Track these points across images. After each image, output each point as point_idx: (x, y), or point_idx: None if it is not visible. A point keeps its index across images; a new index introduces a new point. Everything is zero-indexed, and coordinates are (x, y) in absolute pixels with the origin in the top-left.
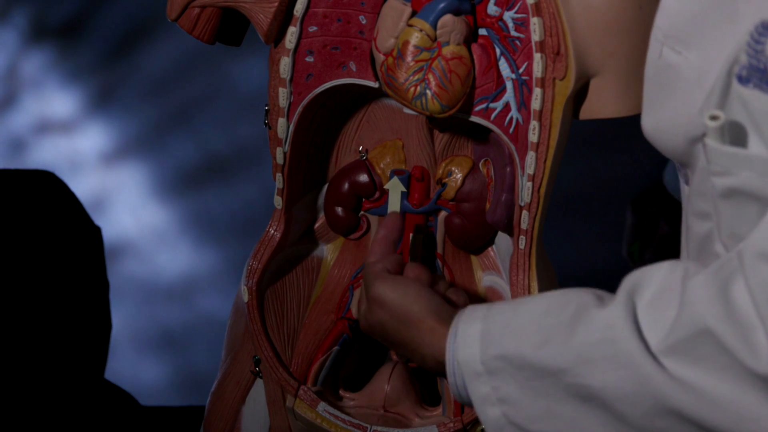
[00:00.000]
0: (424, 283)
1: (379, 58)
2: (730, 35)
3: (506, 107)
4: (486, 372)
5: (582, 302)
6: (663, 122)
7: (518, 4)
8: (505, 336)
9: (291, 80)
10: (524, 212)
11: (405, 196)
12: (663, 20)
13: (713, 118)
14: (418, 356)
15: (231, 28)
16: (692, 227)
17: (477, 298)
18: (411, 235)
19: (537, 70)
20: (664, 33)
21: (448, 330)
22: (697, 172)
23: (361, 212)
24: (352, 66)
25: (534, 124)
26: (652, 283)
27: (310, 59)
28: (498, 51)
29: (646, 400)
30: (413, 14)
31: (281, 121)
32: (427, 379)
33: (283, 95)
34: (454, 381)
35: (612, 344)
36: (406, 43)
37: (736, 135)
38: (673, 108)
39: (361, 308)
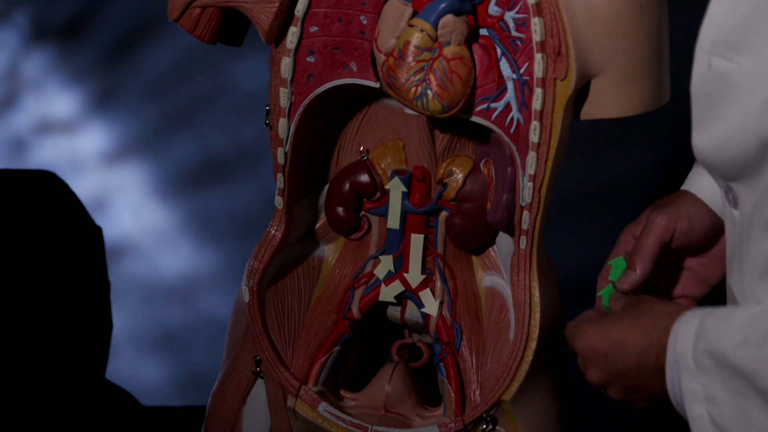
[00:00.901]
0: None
1: (380, 58)
2: None
3: (507, 107)
4: (696, 368)
5: None
6: (722, 135)
7: (519, 5)
8: (714, 332)
9: (292, 80)
10: (525, 212)
11: (406, 196)
12: (709, 30)
13: None
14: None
15: (232, 29)
16: (759, 241)
17: (477, 298)
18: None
19: (538, 70)
20: (712, 42)
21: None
22: None
23: (362, 212)
24: (353, 66)
25: (535, 124)
26: None
27: (311, 59)
28: (499, 51)
29: None
30: (414, 14)
31: (282, 122)
32: (428, 380)
33: (284, 95)
34: (671, 375)
35: None
36: (407, 43)
37: None
38: (732, 118)
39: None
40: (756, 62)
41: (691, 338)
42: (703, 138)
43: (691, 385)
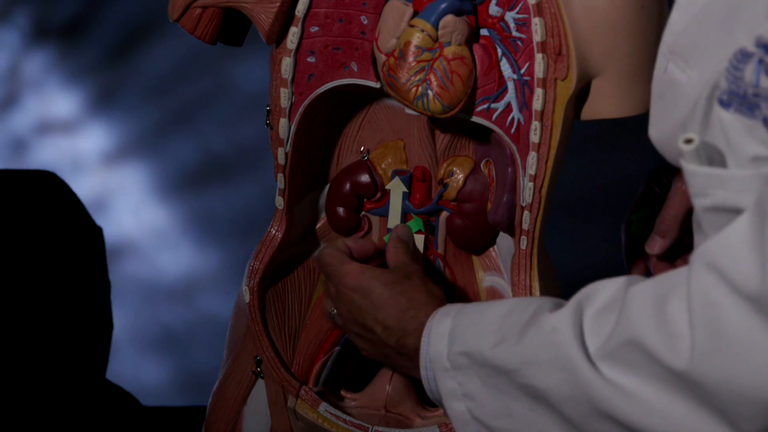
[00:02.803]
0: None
1: (381, 58)
2: (720, 58)
3: (508, 108)
4: (452, 368)
5: (540, 306)
6: (665, 136)
7: (520, 5)
8: (469, 333)
9: (292, 80)
10: (525, 212)
11: (406, 196)
12: (669, 36)
13: (688, 141)
14: (392, 350)
15: (232, 29)
16: (695, 236)
17: (477, 298)
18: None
19: (538, 70)
20: (670, 49)
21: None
22: None
23: (363, 213)
24: (354, 66)
25: (535, 124)
26: (603, 293)
27: (311, 59)
28: (499, 51)
29: (584, 403)
30: (415, 14)
31: (283, 122)
32: None
33: (284, 95)
34: (426, 375)
35: (554, 347)
36: (407, 43)
37: (712, 157)
38: (671, 122)
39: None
40: (699, 78)
41: (445, 340)
42: (654, 132)
43: (447, 384)
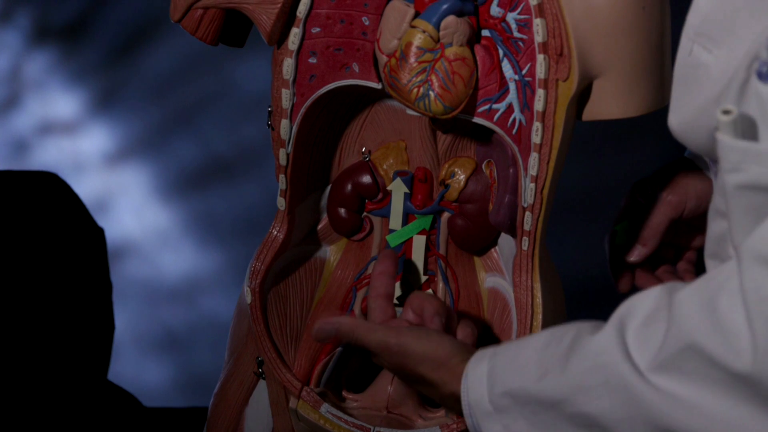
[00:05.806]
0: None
1: (382, 59)
2: (756, 32)
3: (509, 108)
4: (495, 410)
5: (578, 332)
6: (688, 119)
7: (521, 6)
8: (509, 372)
9: (294, 81)
10: (527, 213)
11: (408, 197)
12: (695, 18)
13: (726, 112)
14: (437, 396)
15: (234, 29)
16: (711, 225)
17: (479, 299)
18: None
19: (540, 71)
20: (696, 31)
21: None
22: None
23: (364, 213)
24: (355, 67)
25: (537, 125)
26: (643, 305)
27: (313, 60)
28: (501, 52)
29: (642, 421)
30: (416, 15)
31: (284, 123)
32: None
33: (286, 96)
34: (471, 422)
35: (603, 369)
36: (409, 44)
37: (749, 131)
38: (697, 104)
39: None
40: (729, 56)
41: (484, 383)
42: (675, 119)
43: (492, 428)
